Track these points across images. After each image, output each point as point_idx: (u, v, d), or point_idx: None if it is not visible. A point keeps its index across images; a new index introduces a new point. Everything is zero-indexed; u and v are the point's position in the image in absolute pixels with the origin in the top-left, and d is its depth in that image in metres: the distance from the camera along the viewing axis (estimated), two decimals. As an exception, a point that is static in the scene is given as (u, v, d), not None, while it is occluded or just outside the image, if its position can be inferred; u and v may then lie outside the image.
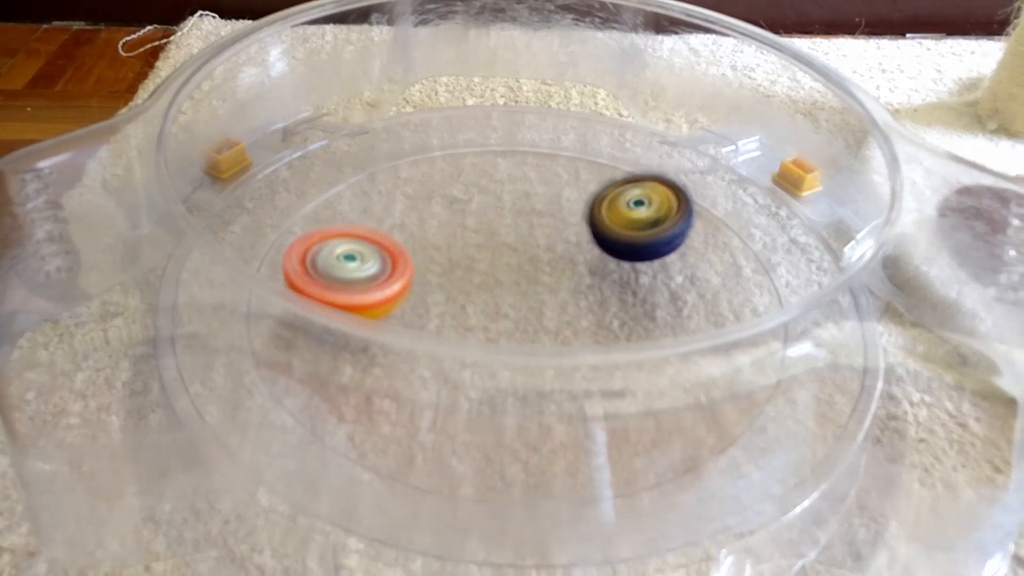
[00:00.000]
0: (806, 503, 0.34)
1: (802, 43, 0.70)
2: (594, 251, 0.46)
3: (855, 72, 0.67)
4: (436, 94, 0.60)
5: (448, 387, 0.38)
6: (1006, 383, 0.39)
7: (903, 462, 0.36)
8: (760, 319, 0.41)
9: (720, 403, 0.38)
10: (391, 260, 0.39)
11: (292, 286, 0.36)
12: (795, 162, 0.51)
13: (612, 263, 0.46)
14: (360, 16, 0.52)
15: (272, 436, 0.36)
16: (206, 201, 0.48)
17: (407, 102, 0.59)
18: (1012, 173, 0.53)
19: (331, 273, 0.37)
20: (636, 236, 0.42)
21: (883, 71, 0.67)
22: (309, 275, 0.37)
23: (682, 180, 0.44)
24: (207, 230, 0.46)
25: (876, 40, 0.72)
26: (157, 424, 0.36)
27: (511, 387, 0.38)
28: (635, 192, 0.43)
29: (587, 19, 0.54)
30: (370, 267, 0.37)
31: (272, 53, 0.54)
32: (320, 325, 0.37)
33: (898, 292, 0.42)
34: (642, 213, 0.43)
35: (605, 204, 0.44)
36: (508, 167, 0.53)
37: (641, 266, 0.46)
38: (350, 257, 0.37)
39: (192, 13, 0.70)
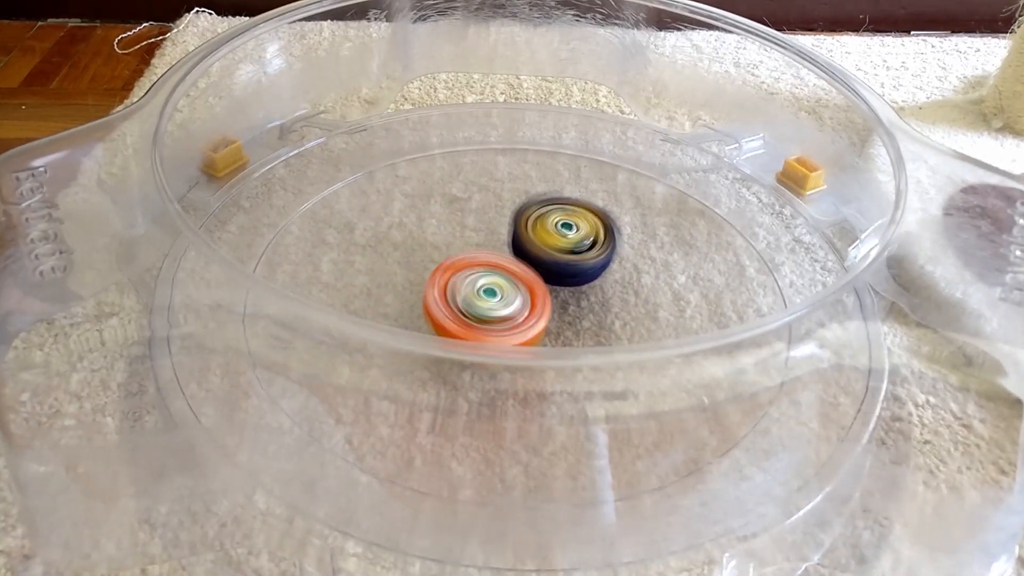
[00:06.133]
0: (810, 505, 0.33)
1: (806, 40, 0.70)
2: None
3: (859, 70, 0.66)
4: (435, 91, 0.60)
5: (447, 388, 0.38)
6: (1011, 384, 0.39)
7: (907, 464, 0.36)
8: (764, 319, 0.41)
9: (723, 404, 0.38)
10: (530, 298, 0.39)
11: (432, 319, 0.37)
12: (799, 160, 0.51)
13: (614, 263, 0.45)
14: (358, 12, 0.52)
15: (269, 438, 0.35)
16: (202, 200, 0.48)
17: (406, 99, 0.59)
18: (1017, 171, 0.52)
19: (471, 309, 0.37)
20: (567, 259, 0.41)
21: (887, 68, 0.67)
22: (449, 308, 0.38)
23: (608, 210, 0.43)
24: (203, 229, 0.46)
25: (880, 37, 0.72)
26: (153, 426, 0.35)
27: (511, 388, 0.38)
28: (560, 216, 0.42)
29: (588, 15, 0.53)
30: (509, 304, 0.38)
31: (269, 50, 0.53)
32: (319, 324, 0.37)
33: (903, 292, 0.42)
34: (570, 237, 0.41)
35: (530, 221, 0.42)
36: (508, 165, 0.53)
37: (643, 265, 0.45)
38: (490, 292, 0.38)
39: (188, 10, 0.70)
